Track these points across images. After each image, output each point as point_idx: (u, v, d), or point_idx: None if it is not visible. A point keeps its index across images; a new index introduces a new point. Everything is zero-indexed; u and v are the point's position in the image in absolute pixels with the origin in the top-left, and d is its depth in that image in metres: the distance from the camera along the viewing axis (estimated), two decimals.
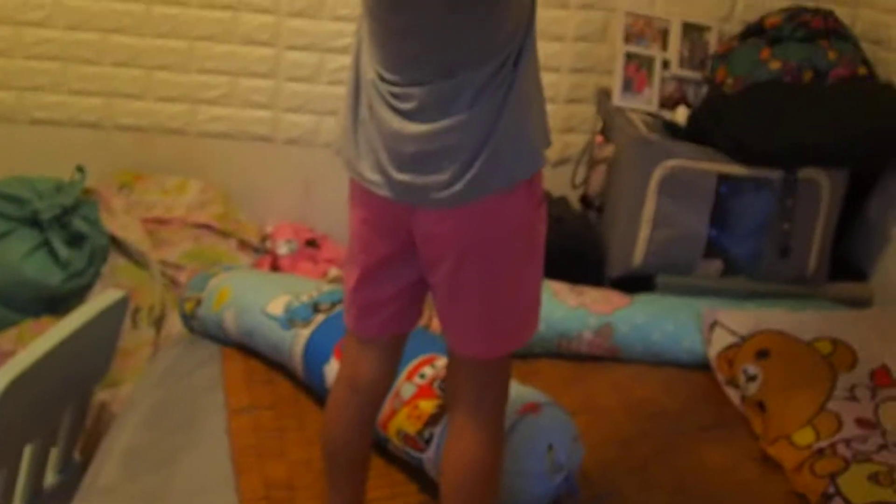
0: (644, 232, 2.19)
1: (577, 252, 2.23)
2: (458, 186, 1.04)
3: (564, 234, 2.22)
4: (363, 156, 1.11)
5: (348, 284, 1.22)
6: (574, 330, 1.99)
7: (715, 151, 2.19)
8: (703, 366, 2.00)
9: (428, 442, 1.42)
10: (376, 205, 1.12)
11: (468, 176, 1.03)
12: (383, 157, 1.08)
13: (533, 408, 1.41)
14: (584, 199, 2.50)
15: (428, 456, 1.42)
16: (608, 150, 2.36)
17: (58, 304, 2.23)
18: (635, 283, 2.22)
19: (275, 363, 1.82)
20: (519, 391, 1.45)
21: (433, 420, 1.42)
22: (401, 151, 1.06)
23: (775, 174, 2.18)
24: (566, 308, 2.01)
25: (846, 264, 2.36)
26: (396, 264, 1.16)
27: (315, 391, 1.71)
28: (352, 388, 1.25)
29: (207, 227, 2.39)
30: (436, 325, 1.88)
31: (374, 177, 1.10)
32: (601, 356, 2.02)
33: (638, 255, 2.21)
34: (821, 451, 1.58)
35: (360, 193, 1.14)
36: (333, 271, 2.44)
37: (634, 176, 2.19)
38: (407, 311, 1.22)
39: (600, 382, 1.93)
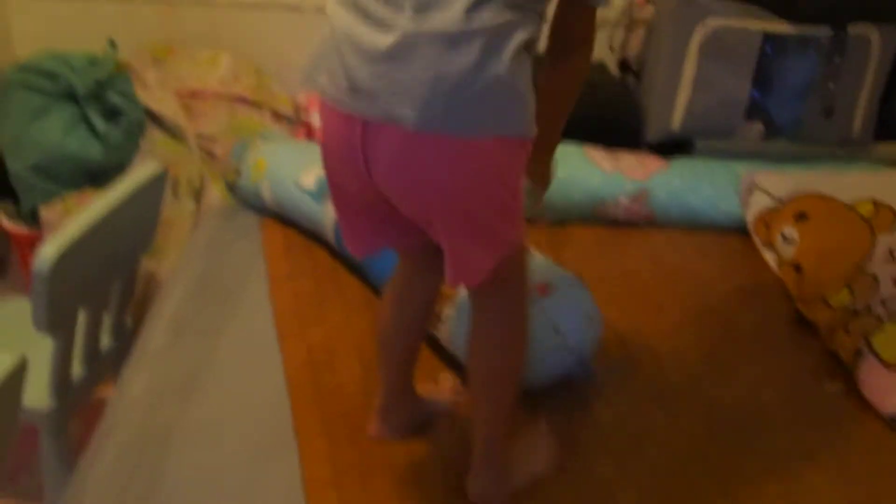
0: (683, 95, 2.14)
1: (614, 118, 2.20)
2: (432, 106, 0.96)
3: (600, 100, 2.18)
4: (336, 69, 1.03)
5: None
6: (610, 195, 1.98)
7: (760, 9, 2.10)
8: (739, 230, 1.99)
9: (441, 320, 1.44)
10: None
11: (447, 99, 0.96)
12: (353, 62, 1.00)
13: (542, 289, 1.41)
14: (623, 64, 2.44)
15: (441, 333, 1.45)
16: (648, 12, 2.28)
17: (99, 177, 2.26)
18: (673, 148, 2.19)
19: (311, 233, 1.85)
20: (536, 266, 1.45)
21: (446, 298, 1.43)
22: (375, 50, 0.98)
23: (823, 31, 2.10)
24: (602, 173, 2.00)
25: (893, 124, 2.29)
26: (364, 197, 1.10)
27: (350, 260, 1.75)
28: (399, 289, 1.26)
29: (241, 99, 2.38)
30: None
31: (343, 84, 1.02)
32: (636, 222, 2.02)
33: (677, 119, 2.17)
34: (856, 312, 1.58)
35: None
36: None
37: (674, 37, 2.13)
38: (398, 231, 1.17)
39: (635, 248, 1.94)
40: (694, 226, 2.01)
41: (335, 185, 1.13)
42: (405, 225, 1.10)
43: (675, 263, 1.89)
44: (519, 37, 0.98)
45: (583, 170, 1.99)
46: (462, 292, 1.43)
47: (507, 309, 1.17)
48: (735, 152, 2.17)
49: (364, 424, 1.34)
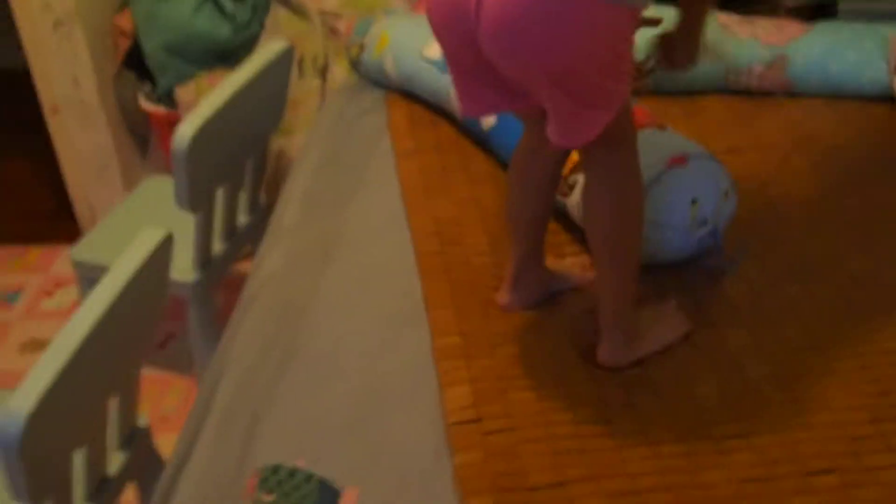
0: None
1: None
2: None
3: None
4: None
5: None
6: (744, 63, 1.88)
7: None
8: (888, 99, 1.86)
9: (572, 188, 1.42)
10: None
11: None
12: None
13: (680, 160, 1.36)
14: None
15: (571, 201, 1.43)
16: None
17: (228, 56, 2.31)
18: (815, 12, 2.04)
19: (436, 107, 1.85)
20: (671, 140, 1.41)
21: (578, 166, 1.42)
22: None
23: None
24: (735, 40, 1.89)
25: None
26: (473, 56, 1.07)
27: (474, 133, 1.74)
28: (532, 153, 1.24)
29: None
30: None
31: None
32: (773, 91, 1.91)
33: None
34: None
35: None
36: None
37: None
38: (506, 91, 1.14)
39: (771, 118, 1.85)
40: (837, 95, 1.89)
41: (444, 45, 1.12)
42: (516, 88, 1.09)
43: (815, 134, 1.79)
44: None
45: (715, 35, 1.88)
46: None
47: (616, 169, 1.14)
48: (885, 13, 2.00)
49: (492, 295, 1.36)
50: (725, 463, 1.10)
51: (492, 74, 1.07)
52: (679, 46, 1.21)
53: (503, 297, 1.35)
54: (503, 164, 1.67)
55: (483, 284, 1.39)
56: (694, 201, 1.35)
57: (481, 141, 1.73)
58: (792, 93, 1.91)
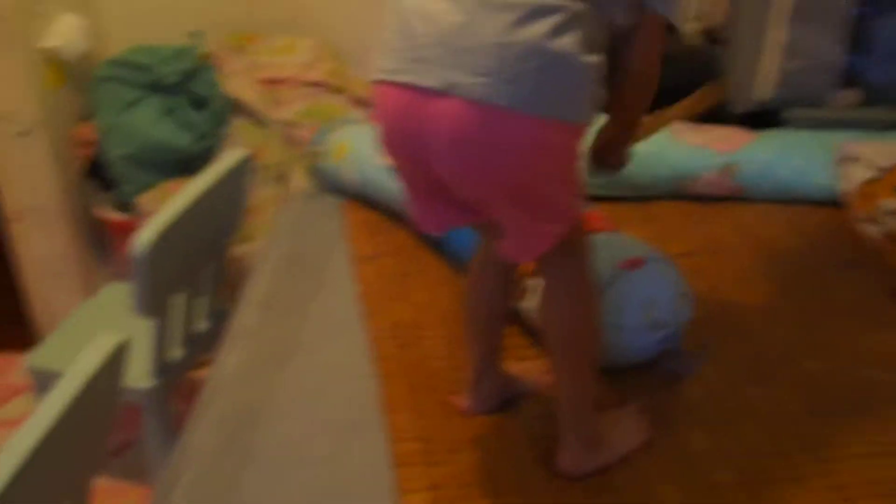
0: (771, 61, 2.07)
1: (696, 88, 2.14)
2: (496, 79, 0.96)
3: (683, 70, 2.13)
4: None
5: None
6: (696, 170, 1.94)
7: None
8: (834, 202, 1.92)
9: (525, 292, 1.44)
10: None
11: (512, 72, 0.96)
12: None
13: (634, 263, 1.39)
14: (708, 33, 2.37)
15: (525, 305, 1.45)
16: None
17: (189, 165, 2.34)
18: (762, 119, 2.12)
19: (394, 212, 1.87)
20: (624, 244, 1.43)
21: (533, 272, 1.43)
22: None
23: None
24: (687, 147, 1.95)
25: None
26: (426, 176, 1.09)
27: (430, 238, 1.76)
28: (483, 259, 1.26)
29: (320, 84, 2.42)
30: None
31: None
32: (724, 196, 1.97)
33: (765, 88, 2.10)
34: None
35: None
36: None
37: None
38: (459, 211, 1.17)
39: (722, 223, 1.89)
40: (785, 199, 1.95)
41: (397, 164, 1.13)
42: (470, 204, 1.11)
43: (766, 237, 1.84)
44: (588, 26, 0.99)
45: (667, 144, 1.95)
46: None
47: (571, 275, 1.16)
48: (830, 121, 2.08)
49: (451, 399, 1.35)
50: None
51: (445, 192, 1.08)
52: (609, 152, 1.23)
53: (463, 401, 1.34)
54: (461, 268, 1.68)
55: (442, 388, 1.38)
56: (651, 303, 1.36)
57: (439, 246, 1.75)
58: (743, 198, 1.96)
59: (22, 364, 2.29)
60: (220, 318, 2.01)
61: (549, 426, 1.29)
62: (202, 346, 1.98)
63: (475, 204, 1.10)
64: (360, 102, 2.45)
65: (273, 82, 2.42)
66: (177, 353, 1.89)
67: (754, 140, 1.99)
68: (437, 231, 1.22)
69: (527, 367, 1.44)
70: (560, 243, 1.09)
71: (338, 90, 2.42)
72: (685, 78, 2.09)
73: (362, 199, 1.95)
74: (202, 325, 1.97)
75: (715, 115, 2.10)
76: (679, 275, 1.43)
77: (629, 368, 1.40)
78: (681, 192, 1.97)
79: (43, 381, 1.89)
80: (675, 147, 1.94)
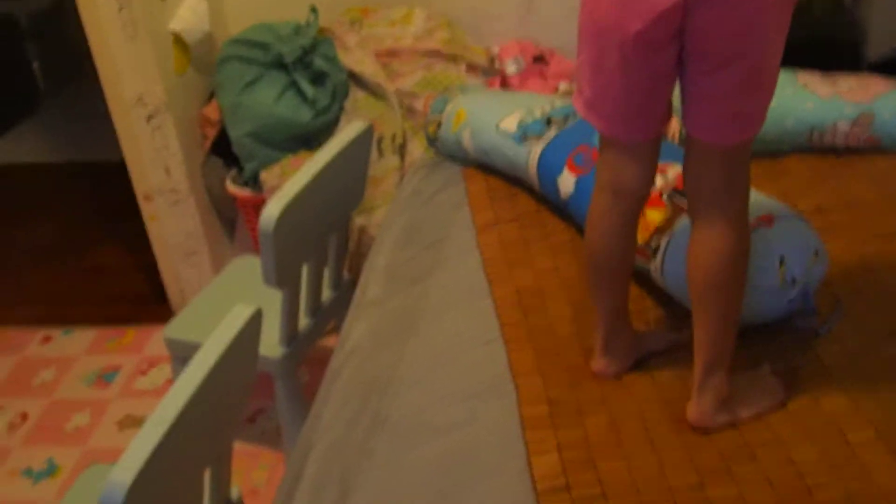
0: None
1: (830, 38, 2.04)
2: None
3: (814, 19, 2.03)
4: None
5: (603, 90, 1.19)
6: (828, 121, 1.85)
7: None
8: None
9: (655, 251, 1.41)
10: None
11: None
12: None
13: (767, 220, 1.35)
14: None
15: (654, 265, 1.42)
16: None
17: (310, 139, 2.39)
18: None
19: (513, 179, 1.87)
20: (756, 200, 1.38)
21: (660, 230, 1.41)
22: None
23: None
24: (818, 98, 1.87)
25: None
26: (658, 67, 1.12)
27: (552, 202, 1.75)
28: (614, 195, 1.24)
29: (436, 53, 2.42)
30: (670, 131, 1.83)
31: None
32: (858, 148, 1.88)
33: None
34: None
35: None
36: (563, 85, 2.41)
37: None
38: (663, 110, 1.19)
39: (857, 176, 1.81)
40: None
41: (604, 43, 1.13)
42: (656, 104, 1.15)
43: None
44: None
45: (794, 95, 1.87)
46: (678, 223, 1.39)
47: (733, 217, 1.16)
48: None
49: (577, 362, 1.35)
50: None
51: (643, 82, 1.12)
52: None
53: (596, 363, 1.33)
54: (583, 234, 1.67)
55: (569, 352, 1.38)
56: (782, 261, 1.32)
57: (559, 210, 1.74)
58: (879, 149, 1.87)
59: (159, 337, 2.42)
60: (344, 287, 2.07)
61: (680, 387, 1.28)
62: (328, 315, 2.04)
63: (663, 104, 1.14)
64: (476, 70, 2.45)
65: (390, 54, 2.44)
66: (304, 322, 1.95)
67: (891, 89, 1.88)
68: (632, 136, 1.21)
69: (656, 328, 1.42)
70: (730, 178, 1.14)
71: (453, 59, 2.42)
72: (814, 26, 2.00)
73: (482, 166, 1.95)
74: (328, 294, 2.03)
75: (846, 64, 2.00)
76: (812, 231, 1.38)
77: (762, 328, 1.37)
78: (811, 146, 1.89)
79: (179, 352, 1.99)
80: (803, 98, 1.86)
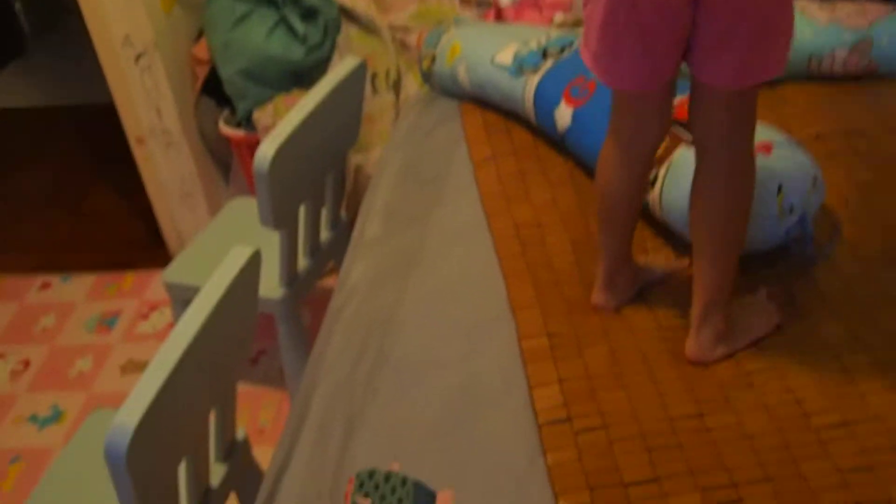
0: None
1: None
2: None
3: None
4: None
5: (613, 43, 1.16)
6: (826, 48, 1.83)
7: None
8: None
9: (653, 182, 1.41)
10: None
11: None
12: None
13: (765, 148, 1.33)
14: None
15: (653, 197, 1.42)
16: None
17: (302, 77, 2.36)
18: None
19: (510, 113, 1.85)
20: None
21: (658, 160, 1.40)
22: None
23: None
24: (816, 25, 1.84)
25: None
26: (670, 21, 1.09)
27: (548, 136, 1.74)
28: (627, 143, 1.23)
29: None
30: None
31: None
32: (857, 75, 1.86)
33: None
34: None
35: None
36: (559, 17, 2.37)
37: None
38: (676, 60, 1.16)
39: (856, 103, 1.79)
40: None
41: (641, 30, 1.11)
42: (668, 56, 1.12)
43: None
44: None
45: (795, 24, 1.84)
46: (677, 153, 1.39)
47: (741, 154, 1.15)
48: None
49: (576, 295, 1.36)
50: (826, 453, 1.07)
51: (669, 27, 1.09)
52: None
53: (596, 297, 1.34)
54: (580, 166, 1.66)
55: (567, 285, 1.39)
56: (780, 189, 1.32)
57: (557, 144, 1.73)
58: (878, 75, 1.85)
59: (158, 281, 2.42)
60: (342, 227, 2.06)
61: (678, 319, 1.29)
62: (327, 255, 2.04)
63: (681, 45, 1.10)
64: (470, 2, 2.40)
65: None
66: (304, 263, 1.95)
67: (889, 13, 1.85)
68: (619, 83, 1.19)
69: (654, 258, 1.42)
70: (739, 112, 1.12)
71: None
72: None
73: (478, 101, 1.93)
74: (326, 234, 2.03)
75: None
76: (810, 158, 1.38)
77: (760, 255, 1.37)
78: (810, 74, 1.87)
79: (179, 296, 1.99)
80: (801, 25, 1.83)
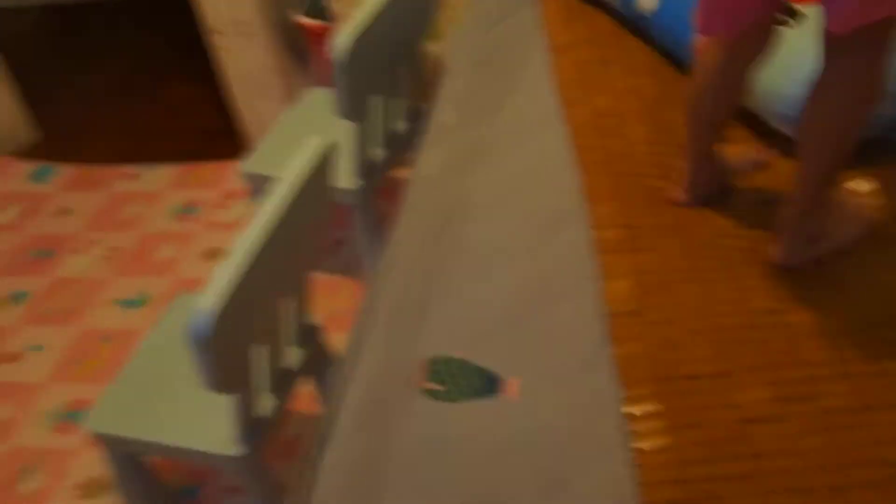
0: None
1: None
2: None
3: None
4: None
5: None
6: None
7: None
8: None
9: None
10: None
11: None
12: None
13: None
14: None
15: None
16: None
17: None
18: None
19: None
20: None
21: None
22: None
23: None
24: None
25: None
26: None
27: (632, 22, 1.67)
28: (731, 52, 1.16)
29: None
30: None
31: None
32: None
33: None
34: None
35: None
36: None
37: None
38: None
39: None
40: None
41: None
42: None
43: None
44: None
45: None
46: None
47: (872, 68, 1.05)
48: None
49: (655, 186, 1.32)
50: None
51: None
52: None
53: (677, 193, 1.30)
54: (664, 53, 1.59)
55: (647, 176, 1.35)
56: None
57: (640, 29, 1.65)
58: None
59: (236, 171, 2.45)
60: (417, 118, 2.04)
61: (760, 215, 1.25)
62: (402, 146, 2.03)
63: None
64: None
65: None
66: (379, 153, 1.95)
67: None
68: (720, 28, 1.14)
69: (740, 149, 1.37)
70: (876, 31, 1.01)
71: None
72: None
73: None
74: (401, 125, 2.02)
75: None
76: None
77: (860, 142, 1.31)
78: None
79: (257, 185, 2.02)
80: None
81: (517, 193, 1.40)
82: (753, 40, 1.15)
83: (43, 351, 2.19)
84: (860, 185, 1.26)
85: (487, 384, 1.09)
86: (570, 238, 1.28)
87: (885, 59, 1.06)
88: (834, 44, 1.06)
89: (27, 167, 2.87)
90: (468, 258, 1.31)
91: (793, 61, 1.26)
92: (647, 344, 1.09)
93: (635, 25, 1.66)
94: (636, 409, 1.02)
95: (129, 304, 2.32)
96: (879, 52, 1.05)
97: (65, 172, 2.82)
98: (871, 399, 1.00)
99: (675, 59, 1.56)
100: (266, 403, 1.40)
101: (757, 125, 1.40)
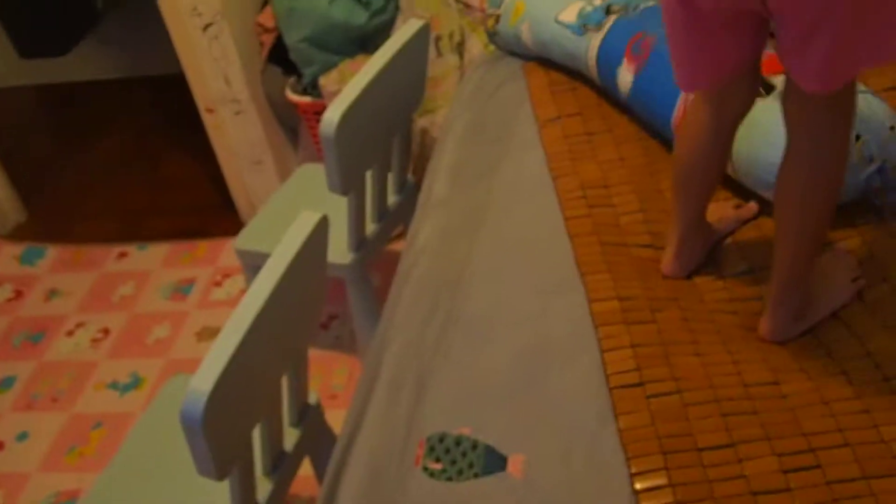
0: None
1: None
2: None
3: None
4: None
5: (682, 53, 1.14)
6: None
7: None
8: None
9: None
10: None
11: None
12: None
13: None
14: None
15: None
16: None
17: (367, 42, 2.36)
18: None
19: (574, 72, 1.81)
20: None
21: None
22: None
23: None
24: None
25: None
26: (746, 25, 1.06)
27: (612, 95, 1.70)
28: (716, 111, 1.18)
29: None
30: None
31: None
32: None
33: None
34: None
35: None
36: None
37: None
38: (759, 45, 1.12)
39: None
40: None
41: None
42: (753, 32, 1.07)
43: None
44: None
45: None
46: (754, 108, 1.34)
47: (838, 134, 1.06)
48: None
49: (645, 255, 1.33)
50: None
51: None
52: None
53: (667, 266, 1.31)
54: (646, 125, 1.62)
55: (634, 245, 1.36)
56: (858, 138, 1.27)
57: (617, 101, 1.69)
58: None
59: (230, 248, 2.46)
60: (409, 191, 2.06)
61: (749, 284, 1.25)
62: (395, 219, 2.04)
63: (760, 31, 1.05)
64: None
65: None
66: (372, 227, 1.96)
67: None
68: (696, 85, 1.17)
69: (721, 206, 1.39)
70: (839, 93, 1.02)
71: None
72: None
73: (542, 60, 1.90)
74: (393, 198, 2.03)
75: None
76: (887, 108, 1.32)
77: (839, 208, 1.32)
78: None
79: (250, 262, 2.02)
80: None
81: (511, 264, 1.40)
82: (739, 90, 1.16)
83: (30, 439, 2.16)
84: (843, 248, 1.27)
85: (489, 462, 1.07)
86: (565, 309, 1.28)
87: (843, 145, 1.07)
88: (794, 112, 1.08)
89: (16, 248, 2.87)
90: (466, 329, 1.30)
91: (771, 126, 1.28)
92: (650, 416, 1.08)
93: (615, 102, 1.70)
94: (644, 484, 1.00)
95: (121, 387, 2.29)
96: (837, 140, 1.06)
97: (55, 253, 2.82)
98: (872, 468, 0.99)
99: (657, 132, 1.59)
100: (265, 487, 1.38)
101: (737, 188, 1.41)
